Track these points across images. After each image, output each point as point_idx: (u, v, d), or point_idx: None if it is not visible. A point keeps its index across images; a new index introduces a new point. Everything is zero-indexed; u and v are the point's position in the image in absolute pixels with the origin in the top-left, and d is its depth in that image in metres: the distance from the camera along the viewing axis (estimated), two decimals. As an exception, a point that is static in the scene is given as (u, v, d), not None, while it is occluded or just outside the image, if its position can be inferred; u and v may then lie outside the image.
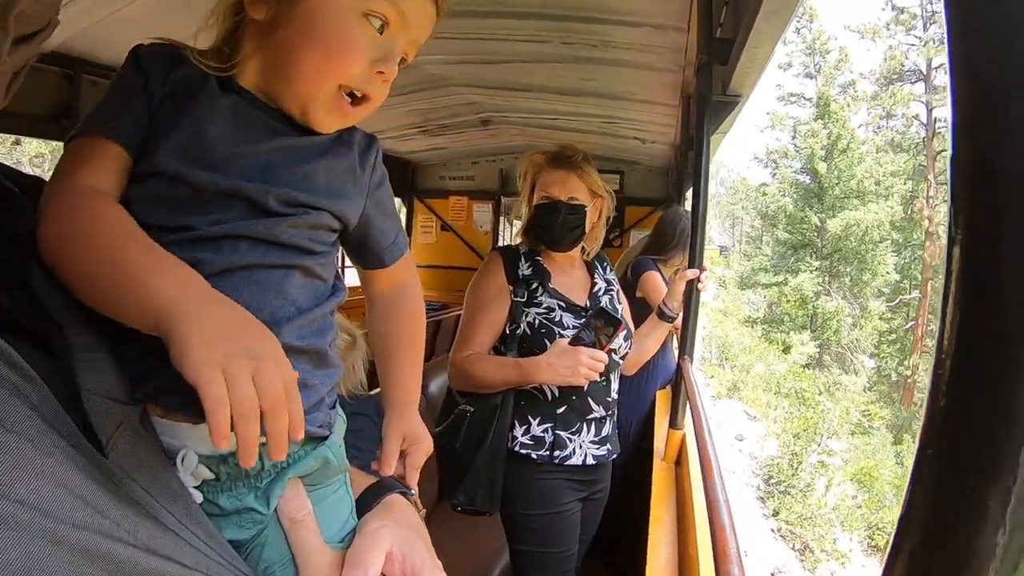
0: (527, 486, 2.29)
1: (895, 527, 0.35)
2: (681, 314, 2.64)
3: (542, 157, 2.41)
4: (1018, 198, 0.28)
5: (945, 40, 0.30)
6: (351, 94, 0.92)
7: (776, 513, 14.61)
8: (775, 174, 39.76)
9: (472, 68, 4.29)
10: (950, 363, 0.30)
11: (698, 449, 1.78)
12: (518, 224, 2.55)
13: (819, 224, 34.94)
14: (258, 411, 0.68)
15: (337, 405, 1.02)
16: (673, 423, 2.58)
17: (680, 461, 2.48)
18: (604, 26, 3.12)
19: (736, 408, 21.67)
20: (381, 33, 0.90)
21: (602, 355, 2.19)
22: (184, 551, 0.70)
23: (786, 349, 31.59)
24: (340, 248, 1.05)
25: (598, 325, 2.21)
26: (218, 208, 0.85)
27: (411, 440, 1.16)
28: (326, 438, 0.95)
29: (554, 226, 2.34)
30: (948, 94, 0.31)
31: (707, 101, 2.39)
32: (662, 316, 2.67)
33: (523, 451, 2.27)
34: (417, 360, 1.21)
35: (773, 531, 14.31)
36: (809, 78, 37.90)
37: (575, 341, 2.20)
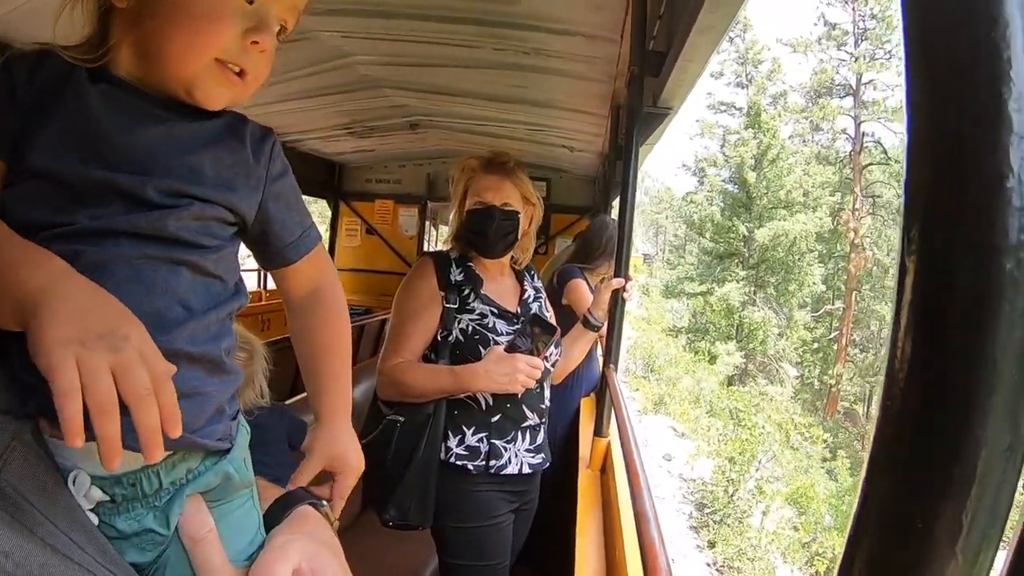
0: (461, 498, 2.23)
1: (840, 561, 0.34)
2: (606, 323, 2.65)
3: (476, 162, 2.36)
4: (973, 224, 0.28)
5: (903, 68, 0.30)
6: (237, 70, 0.90)
7: (712, 545, 13.73)
8: (703, 182, 39.55)
9: (403, 71, 4.26)
10: (900, 392, 0.30)
11: (624, 458, 1.79)
12: (444, 229, 2.52)
13: (746, 233, 34.74)
14: (116, 404, 0.65)
15: (240, 416, 0.97)
16: (598, 431, 2.59)
17: (605, 469, 2.49)
18: (537, 33, 3.14)
19: (663, 424, 20.36)
20: (251, 3, 0.88)
21: (539, 362, 2.17)
22: None
23: (712, 359, 31.04)
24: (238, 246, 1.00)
25: (535, 332, 2.20)
26: (95, 202, 0.81)
27: (340, 463, 1.12)
28: (228, 451, 0.91)
29: (488, 231, 2.30)
30: (904, 117, 0.31)
31: (637, 113, 2.42)
32: (588, 325, 2.66)
33: (458, 462, 2.20)
34: (344, 368, 1.15)
35: (709, 565, 13.44)
36: (741, 87, 37.91)
37: (511, 348, 2.17)
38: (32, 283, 0.67)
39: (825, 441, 22.96)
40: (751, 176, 34.00)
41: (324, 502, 1.05)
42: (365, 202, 7.90)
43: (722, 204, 36.49)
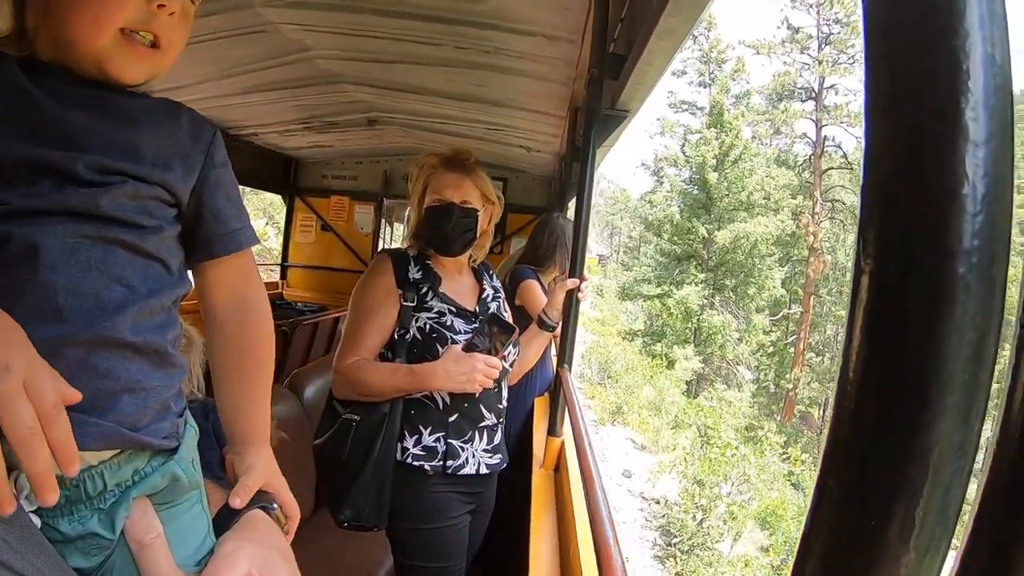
0: (417, 499, 2.21)
1: (794, 560, 0.34)
2: (560, 323, 2.66)
3: (436, 159, 2.36)
4: (928, 228, 0.28)
5: (863, 74, 0.31)
6: (148, 41, 0.88)
7: (679, 577, 12.87)
8: (662, 182, 38.74)
9: (363, 66, 4.23)
10: (854, 393, 0.30)
11: (578, 458, 1.80)
12: (400, 227, 2.49)
13: (706, 235, 33.90)
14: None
15: (187, 414, 0.95)
16: (552, 431, 2.60)
17: (559, 468, 2.50)
18: (498, 33, 3.13)
19: (621, 435, 19.73)
20: None
21: (497, 362, 2.18)
22: None
23: (670, 364, 30.47)
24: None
25: (493, 331, 2.20)
26: (25, 182, 0.79)
27: (275, 486, 1.06)
28: (175, 450, 0.89)
29: (446, 228, 2.29)
30: (863, 122, 0.31)
31: (596, 114, 2.43)
32: (543, 325, 2.67)
33: (415, 463, 2.18)
34: (269, 385, 1.10)
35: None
36: (703, 87, 37.04)
37: (469, 347, 2.17)
38: None
39: (782, 446, 23.01)
40: (712, 177, 33.41)
41: (275, 505, 1.02)
42: (321, 198, 7.82)
43: (682, 204, 35.76)
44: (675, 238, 35.17)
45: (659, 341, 34.06)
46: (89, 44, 0.84)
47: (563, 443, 2.56)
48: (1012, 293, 0.31)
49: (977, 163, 0.27)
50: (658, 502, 15.46)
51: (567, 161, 4.45)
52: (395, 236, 10.15)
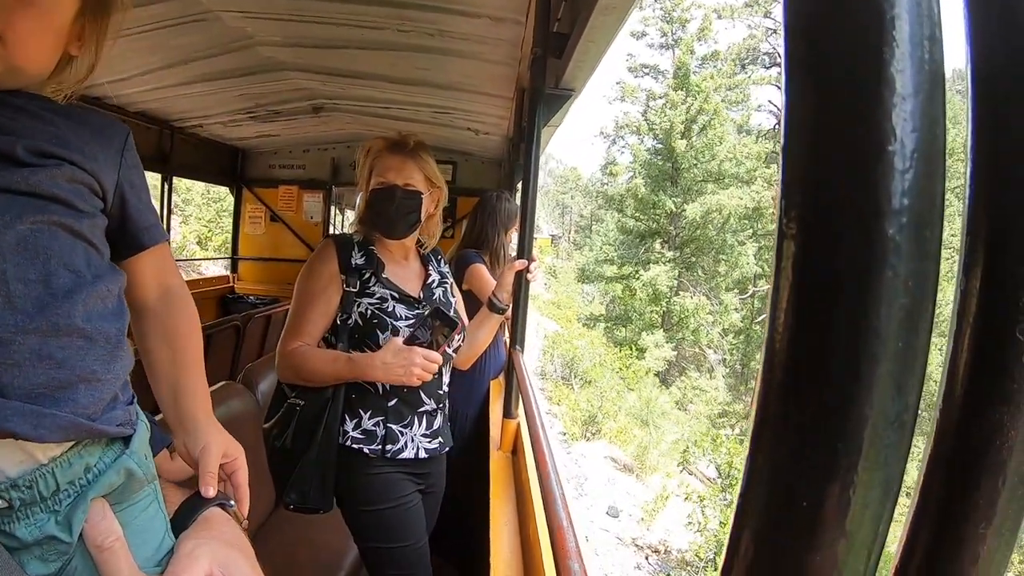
0: (363, 482, 2.24)
1: (726, 545, 0.32)
2: (511, 305, 2.65)
3: (381, 143, 2.34)
4: (854, 188, 0.27)
5: (781, 26, 0.29)
6: None
7: None
8: (623, 151, 35.72)
9: (306, 52, 4.18)
10: (781, 365, 0.29)
11: (531, 440, 1.80)
12: (351, 214, 2.45)
13: (674, 209, 31.10)
14: None
15: (136, 404, 0.93)
16: (507, 413, 2.60)
17: (516, 450, 2.51)
18: (441, 15, 3.11)
19: (598, 453, 16.42)
20: None
21: (436, 356, 2.18)
22: None
23: (640, 353, 28.37)
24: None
25: (435, 325, 2.20)
26: None
27: (230, 455, 1.09)
28: (128, 442, 0.88)
29: (389, 211, 2.29)
30: (782, 78, 0.30)
31: (540, 93, 2.42)
32: (493, 308, 2.63)
33: (355, 446, 2.21)
34: (202, 364, 1.13)
35: None
36: (666, 48, 33.72)
37: (410, 340, 2.17)
38: None
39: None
40: (680, 145, 30.63)
41: (231, 502, 1.03)
42: (269, 188, 7.73)
43: (646, 176, 32.61)
44: (639, 213, 32.58)
45: (624, 326, 32.74)
46: None
47: (519, 425, 2.56)
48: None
49: (905, 117, 0.25)
50: (661, 551, 12.44)
51: (515, 142, 4.45)
52: (346, 223, 10.07)
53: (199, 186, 20.71)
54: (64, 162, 0.84)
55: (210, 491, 0.99)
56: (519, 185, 4.67)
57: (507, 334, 3.54)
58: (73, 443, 0.81)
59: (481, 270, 3.53)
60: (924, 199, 0.26)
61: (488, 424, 2.96)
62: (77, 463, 0.81)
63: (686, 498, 12.86)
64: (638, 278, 31.46)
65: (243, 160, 7.65)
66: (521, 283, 2.57)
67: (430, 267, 2.51)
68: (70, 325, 0.79)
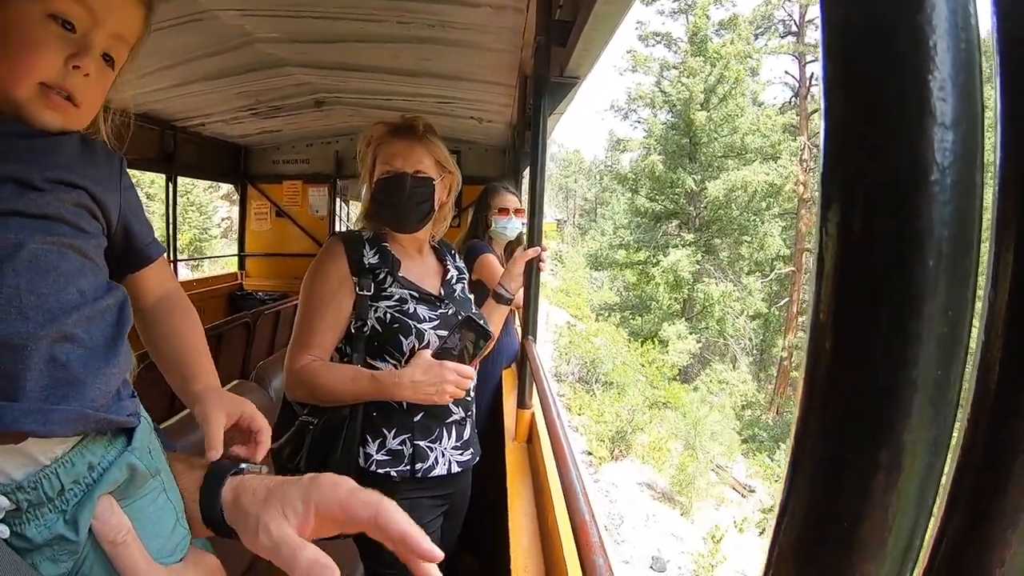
0: None
1: (764, 561, 0.33)
2: (522, 294, 2.60)
3: (383, 128, 2.14)
4: (895, 219, 0.27)
5: (820, 49, 0.29)
6: (65, 95, 0.95)
7: None
8: (636, 126, 32.94)
9: (306, 48, 4.18)
10: (821, 397, 0.29)
11: (548, 430, 1.80)
12: (357, 206, 2.33)
13: (694, 187, 28.55)
14: None
15: (137, 398, 0.97)
16: (521, 403, 2.61)
17: (531, 440, 2.52)
18: (442, 5, 3.10)
19: (629, 477, 14.37)
20: (73, 31, 0.92)
21: (470, 371, 2.03)
22: None
23: (662, 346, 26.27)
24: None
25: (466, 335, 2.04)
26: None
27: (239, 412, 1.16)
28: (131, 436, 0.91)
29: (400, 201, 2.09)
30: (821, 101, 0.29)
31: (545, 82, 2.40)
32: (499, 299, 2.47)
33: (380, 470, 2.00)
34: (206, 354, 1.23)
35: None
36: (678, 13, 31.52)
37: (441, 352, 2.00)
38: None
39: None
40: (700, 117, 28.02)
41: (245, 464, 1.04)
42: (273, 184, 7.76)
43: (663, 152, 29.80)
44: (655, 193, 30.11)
45: (640, 316, 30.36)
46: (9, 94, 0.90)
47: (533, 414, 2.57)
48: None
49: (946, 147, 0.26)
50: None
51: (519, 130, 4.44)
52: (352, 216, 10.09)
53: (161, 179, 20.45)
54: (76, 187, 0.93)
55: (213, 453, 1.05)
56: (525, 173, 4.68)
57: (518, 323, 3.56)
58: (75, 443, 0.85)
59: (491, 260, 3.55)
60: (963, 229, 0.26)
61: (501, 414, 2.97)
62: (80, 462, 0.85)
63: (739, 530, 11.93)
64: (656, 263, 29.30)
65: (246, 157, 7.67)
66: (532, 272, 2.50)
67: (447, 261, 2.32)
68: (73, 333, 0.84)
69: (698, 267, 28.49)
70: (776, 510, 0.32)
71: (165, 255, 1.19)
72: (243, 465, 1.02)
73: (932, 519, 0.32)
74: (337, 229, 7.88)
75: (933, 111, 0.25)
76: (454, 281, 2.29)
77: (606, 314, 31.21)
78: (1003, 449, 0.32)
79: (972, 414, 0.32)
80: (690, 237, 29.12)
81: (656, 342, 26.66)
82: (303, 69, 4.74)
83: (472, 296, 2.38)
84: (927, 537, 0.33)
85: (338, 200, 7.92)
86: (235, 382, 3.19)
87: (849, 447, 0.28)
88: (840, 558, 0.29)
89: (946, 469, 0.29)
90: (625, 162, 33.84)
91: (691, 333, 27.70)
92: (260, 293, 7.43)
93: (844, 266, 0.28)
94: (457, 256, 2.42)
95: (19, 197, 0.85)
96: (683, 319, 28.58)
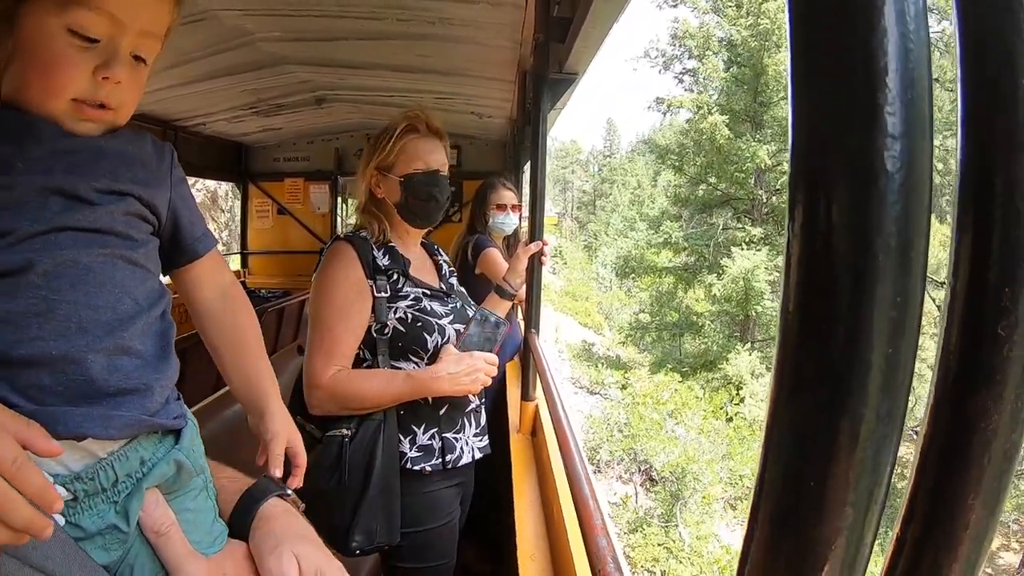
0: (415, 502, 2.07)
1: (747, 521, 0.37)
2: (524, 288, 2.63)
3: (417, 123, 2.16)
4: (849, 218, 0.31)
5: (789, 72, 0.33)
6: (98, 104, 0.96)
7: None
8: (682, 79, 25.49)
9: (306, 46, 4.20)
10: (793, 369, 0.33)
11: (552, 421, 1.83)
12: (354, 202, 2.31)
13: (767, 162, 21.83)
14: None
15: (183, 402, 1.03)
16: (525, 395, 2.64)
17: (535, 431, 2.55)
18: (440, 3, 3.14)
19: None
20: (96, 42, 0.92)
21: (494, 358, 2.11)
22: None
23: (736, 392, 20.18)
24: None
25: (485, 325, 2.14)
26: (35, 207, 0.87)
27: (294, 441, 1.21)
28: (179, 436, 0.97)
29: (437, 196, 2.15)
30: (789, 115, 0.34)
31: (544, 79, 2.44)
32: (502, 294, 2.49)
33: (414, 466, 2.05)
34: (264, 353, 1.26)
35: None
36: None
37: (463, 343, 2.08)
38: None
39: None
40: (774, 64, 21.25)
41: (290, 491, 1.13)
42: (274, 182, 7.78)
43: (728, 112, 22.68)
44: (707, 171, 23.25)
45: (692, 337, 23.76)
46: (46, 108, 0.91)
47: (537, 407, 2.60)
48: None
49: (895, 156, 0.29)
50: None
51: (519, 125, 4.48)
52: (351, 213, 10.13)
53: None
54: (124, 195, 0.96)
55: (276, 472, 1.13)
56: (526, 167, 4.71)
57: (520, 316, 3.60)
58: (129, 439, 0.90)
59: (495, 254, 3.61)
60: (910, 228, 0.30)
61: (505, 407, 3.00)
62: (133, 456, 0.90)
63: None
64: (719, 270, 22.70)
65: (247, 155, 7.69)
66: (534, 266, 2.55)
67: (437, 256, 2.39)
68: (130, 346, 0.90)
69: (773, 275, 21.77)
70: (755, 481, 0.35)
71: (216, 248, 1.20)
72: (288, 491, 1.12)
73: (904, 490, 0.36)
74: (339, 226, 7.91)
75: (884, 124, 0.29)
76: (448, 275, 2.36)
77: (638, 335, 26.40)
78: (965, 425, 0.35)
79: (936, 393, 0.36)
80: (757, 232, 22.86)
81: (722, 381, 21.45)
82: (304, 67, 4.76)
83: (463, 289, 2.45)
84: (901, 506, 0.37)
85: (339, 198, 7.94)
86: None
87: (814, 418, 0.32)
88: (810, 514, 0.33)
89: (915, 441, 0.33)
90: (665, 129, 26.22)
91: (762, 363, 21.41)
92: (263, 291, 7.45)
93: (808, 259, 0.32)
94: (440, 250, 2.46)
95: (68, 212, 0.88)
96: (745, 343, 22.71)
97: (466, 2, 3.07)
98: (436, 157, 2.15)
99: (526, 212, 4.27)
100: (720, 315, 23.29)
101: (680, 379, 19.42)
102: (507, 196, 3.94)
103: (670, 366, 22.59)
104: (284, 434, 1.18)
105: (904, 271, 0.30)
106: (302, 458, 1.21)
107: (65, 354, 0.83)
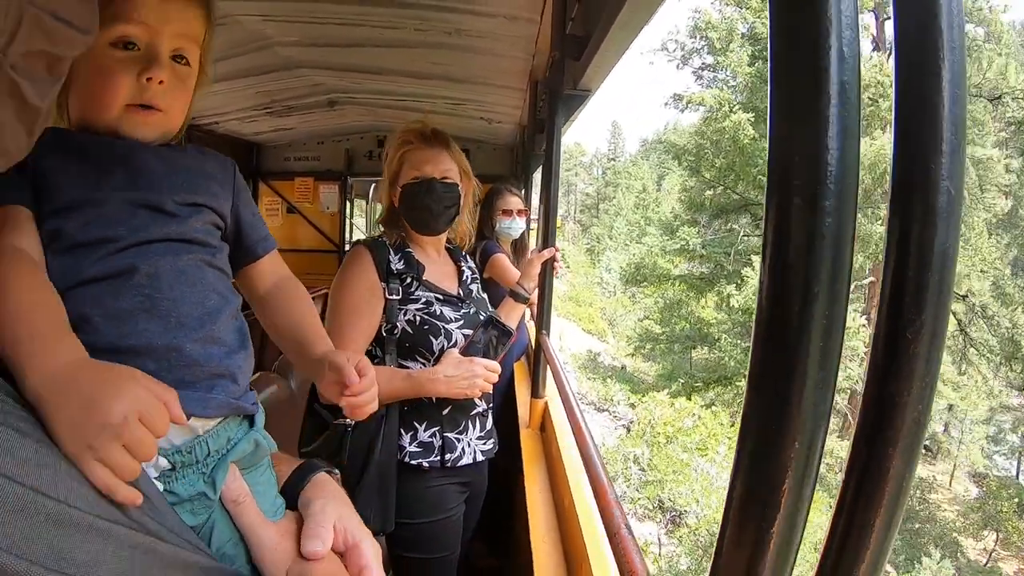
0: (414, 496, 2.17)
1: (733, 463, 0.53)
2: (536, 292, 2.72)
3: (412, 135, 2.27)
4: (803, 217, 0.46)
5: (769, 82, 0.48)
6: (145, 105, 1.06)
7: None
8: (701, 75, 24.19)
9: (323, 51, 4.30)
10: (761, 358, 0.50)
11: (566, 412, 1.94)
12: (361, 203, 2.39)
13: None
14: (139, 468, 0.78)
15: (254, 391, 1.14)
16: (535, 393, 2.75)
17: (544, 427, 2.66)
18: (458, 15, 3.24)
19: None
20: (136, 49, 1.02)
21: (496, 365, 2.19)
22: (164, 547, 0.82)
23: None
24: None
25: (491, 333, 2.25)
26: (126, 218, 0.99)
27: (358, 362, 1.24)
28: (253, 420, 1.10)
29: (429, 204, 2.21)
30: (768, 122, 0.49)
31: (559, 95, 2.54)
32: (516, 298, 2.56)
33: (412, 461, 2.15)
34: (321, 325, 1.33)
35: None
36: None
37: (469, 349, 2.19)
38: (34, 378, 0.78)
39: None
40: None
41: (336, 470, 1.24)
42: (284, 180, 7.84)
43: (752, 109, 21.18)
44: (728, 175, 21.94)
45: (703, 347, 22.93)
46: (102, 118, 1.03)
47: (546, 403, 2.71)
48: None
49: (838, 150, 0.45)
50: None
51: (529, 133, 4.57)
52: (359, 213, 10.21)
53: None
54: (202, 207, 1.08)
55: (352, 379, 1.16)
56: (535, 175, 4.81)
57: (528, 319, 3.71)
58: (221, 419, 1.03)
59: (503, 259, 3.69)
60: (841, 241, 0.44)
61: (514, 404, 3.11)
62: (222, 435, 1.03)
63: None
64: (738, 279, 21.61)
65: (258, 154, 7.76)
66: (546, 270, 2.65)
67: (461, 263, 2.46)
68: (219, 336, 1.02)
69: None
70: (736, 444, 0.50)
71: (276, 251, 1.31)
72: (325, 468, 1.21)
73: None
74: (347, 226, 8.01)
75: (828, 145, 0.45)
76: (469, 281, 2.43)
77: (648, 346, 25.39)
78: (887, 400, 0.50)
79: (868, 376, 0.52)
80: None
81: (735, 397, 20.89)
82: (319, 71, 4.84)
83: (485, 295, 2.50)
84: (846, 460, 0.51)
85: (347, 198, 8.01)
86: (256, 375, 3.29)
87: (774, 388, 0.49)
88: (775, 460, 0.49)
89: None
90: (680, 128, 24.51)
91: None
92: (273, 288, 7.52)
93: (770, 285, 0.47)
94: (467, 257, 2.55)
95: (156, 223, 1.01)
96: None
97: (484, 16, 3.18)
98: (432, 166, 2.23)
99: (535, 217, 4.39)
100: (735, 327, 22.09)
101: (702, 404, 18.30)
102: (512, 201, 4.05)
103: (682, 380, 22.37)
104: (344, 352, 1.22)
105: (833, 289, 0.46)
106: (371, 370, 1.23)
107: (168, 344, 0.95)
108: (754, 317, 0.49)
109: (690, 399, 19.11)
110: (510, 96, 4.79)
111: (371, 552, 1.05)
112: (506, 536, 3.01)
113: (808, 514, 0.51)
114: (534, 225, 4.72)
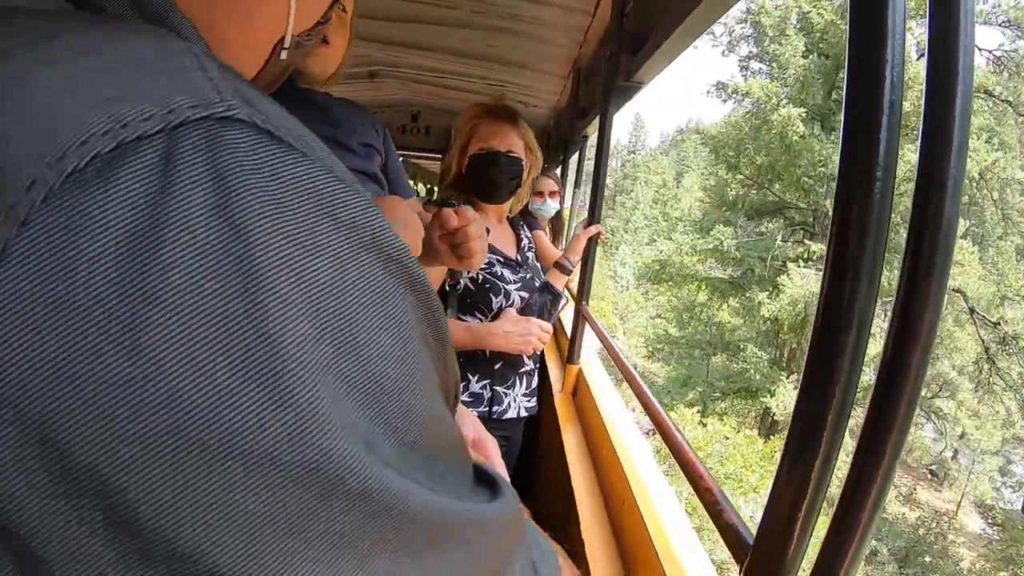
0: None
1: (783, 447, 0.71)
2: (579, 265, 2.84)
3: (481, 109, 2.40)
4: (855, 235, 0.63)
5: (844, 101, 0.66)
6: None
7: None
8: (749, 62, 22.67)
9: (374, 23, 4.41)
10: (811, 373, 0.68)
11: (619, 369, 2.03)
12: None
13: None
14: None
15: None
16: (570, 359, 2.88)
17: (577, 392, 2.80)
18: (519, 1, 3.42)
19: None
20: None
21: (550, 327, 2.33)
22: None
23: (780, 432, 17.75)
24: None
25: (546, 297, 2.37)
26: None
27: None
28: None
29: (493, 175, 2.32)
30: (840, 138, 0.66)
31: (612, 87, 2.68)
32: (562, 269, 2.68)
33: None
34: None
35: None
36: None
37: (526, 309, 2.31)
38: None
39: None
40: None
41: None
42: None
43: (803, 104, 19.28)
44: (768, 173, 20.05)
45: (719, 356, 21.39)
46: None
47: (580, 369, 2.83)
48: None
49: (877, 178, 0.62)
50: None
51: (568, 118, 4.67)
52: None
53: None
54: (375, 151, 1.29)
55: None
56: (571, 160, 4.93)
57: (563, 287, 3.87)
58: None
59: (541, 235, 3.84)
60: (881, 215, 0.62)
61: (546, 369, 3.24)
62: None
63: None
64: (771, 287, 19.78)
65: (297, 119, 7.82)
66: (591, 246, 2.78)
67: (520, 231, 2.62)
68: None
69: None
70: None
71: (414, 197, 1.43)
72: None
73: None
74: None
75: (878, 158, 0.62)
76: (527, 249, 2.60)
77: (664, 348, 24.41)
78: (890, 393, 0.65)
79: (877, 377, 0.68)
80: (817, 249, 19.59)
81: (759, 412, 19.60)
82: (366, 43, 4.93)
83: (539, 264, 2.64)
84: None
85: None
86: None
87: (808, 425, 0.68)
88: (807, 449, 0.68)
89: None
90: (704, 125, 23.49)
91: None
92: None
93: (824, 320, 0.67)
94: (525, 227, 2.71)
95: (345, 158, 1.17)
96: (785, 372, 19.74)
97: (543, 4, 3.35)
98: (500, 139, 2.34)
99: (568, 199, 4.51)
100: (762, 336, 20.86)
101: (727, 424, 15.92)
102: (545, 183, 4.19)
103: (700, 389, 21.30)
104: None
105: (872, 262, 0.65)
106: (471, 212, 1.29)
107: None
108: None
109: (705, 411, 17.76)
110: (550, 81, 4.91)
111: (493, 449, 1.15)
112: (529, 489, 3.14)
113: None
114: (565, 206, 4.85)
